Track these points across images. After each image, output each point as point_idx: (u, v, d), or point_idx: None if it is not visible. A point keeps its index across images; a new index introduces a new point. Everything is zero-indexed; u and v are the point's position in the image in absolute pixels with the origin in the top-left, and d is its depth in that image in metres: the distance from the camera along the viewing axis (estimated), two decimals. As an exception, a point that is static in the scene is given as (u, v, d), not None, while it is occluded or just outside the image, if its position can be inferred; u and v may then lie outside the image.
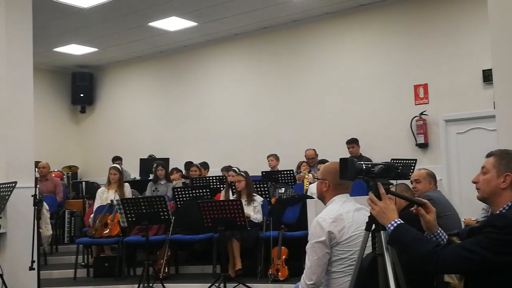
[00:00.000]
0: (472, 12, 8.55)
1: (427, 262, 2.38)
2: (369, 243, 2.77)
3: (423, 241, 2.47)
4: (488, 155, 2.64)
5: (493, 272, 2.35)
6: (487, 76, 8.15)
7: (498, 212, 2.54)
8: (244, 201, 6.90)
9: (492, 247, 2.30)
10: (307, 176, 8.43)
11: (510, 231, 2.31)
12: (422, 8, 9.25)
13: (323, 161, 7.94)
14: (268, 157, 9.71)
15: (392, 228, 2.53)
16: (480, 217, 6.57)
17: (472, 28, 8.57)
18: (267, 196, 7.75)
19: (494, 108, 4.34)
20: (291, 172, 8.81)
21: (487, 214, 6.45)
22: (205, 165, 10.23)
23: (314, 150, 9.52)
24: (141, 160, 11.45)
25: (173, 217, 7.23)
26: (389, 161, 6.48)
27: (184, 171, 10.10)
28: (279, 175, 8.75)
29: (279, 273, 6.55)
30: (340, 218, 3.17)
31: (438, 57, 9.03)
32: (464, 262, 2.33)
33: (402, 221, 2.56)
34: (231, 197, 7.49)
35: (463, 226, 5.78)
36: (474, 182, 2.66)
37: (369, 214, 2.76)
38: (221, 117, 11.45)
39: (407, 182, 5.49)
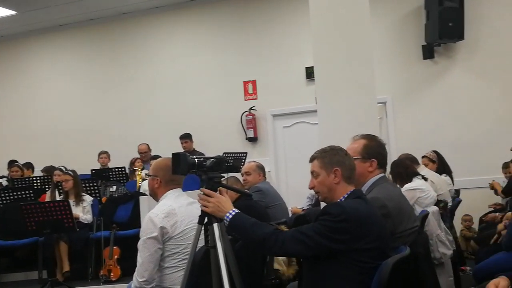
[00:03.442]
0: (295, 12, 9.03)
1: (267, 244, 2.49)
2: (202, 236, 2.79)
3: (263, 225, 2.58)
4: (311, 160, 2.78)
5: (325, 258, 2.50)
6: (310, 73, 8.68)
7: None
8: (72, 202, 6.63)
9: (326, 233, 2.45)
10: (139, 173, 8.28)
11: (344, 218, 2.46)
12: (250, 6, 9.56)
13: (156, 157, 7.84)
14: (98, 154, 9.38)
15: (230, 217, 2.60)
16: (305, 205, 6.99)
17: (296, 27, 9.05)
18: (98, 195, 7.47)
19: (316, 104, 4.61)
20: (123, 169, 8.58)
21: (311, 202, 6.88)
22: (28, 165, 9.54)
23: (146, 144, 9.40)
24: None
25: (-8, 222, 6.65)
26: (221, 155, 6.60)
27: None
28: (110, 173, 8.48)
29: (111, 274, 6.40)
30: (172, 212, 3.15)
31: (265, 55, 9.40)
32: (300, 245, 2.46)
33: (238, 210, 2.63)
34: (58, 198, 7.10)
35: (290, 215, 6.09)
36: (311, 188, 2.78)
37: (202, 208, 2.78)
38: (46, 112, 10.79)
39: (239, 174, 5.66)
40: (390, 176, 5.18)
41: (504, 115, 7.92)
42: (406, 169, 5.19)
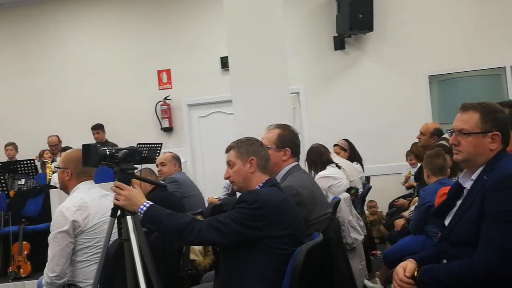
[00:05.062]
0: (209, 1, 8.98)
1: (183, 233, 2.49)
2: (115, 229, 2.74)
3: (178, 215, 2.58)
4: (227, 150, 2.81)
5: (241, 246, 2.52)
6: (225, 63, 8.68)
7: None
8: (-24, 196, 6.29)
9: (243, 221, 2.48)
10: (49, 165, 7.97)
11: (259, 205, 2.51)
12: (164, -6, 9.42)
13: (67, 148, 7.58)
14: (4, 146, 8.94)
15: (144, 209, 2.57)
16: (222, 195, 7.01)
17: (210, 16, 9.01)
18: (5, 189, 7.12)
19: (231, 93, 4.63)
20: (32, 161, 8.22)
21: (228, 192, 6.91)
22: None
23: (57, 136, 9.06)
24: None
25: None
26: (136, 145, 6.47)
27: None
28: (18, 165, 8.10)
29: (21, 270, 6.19)
30: (85, 205, 3.08)
31: (179, 44, 9.29)
32: (216, 232, 2.48)
33: (152, 203, 2.61)
34: (-39, 193, 6.72)
35: (206, 205, 6.09)
36: (226, 178, 2.80)
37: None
38: None
39: (154, 165, 5.58)
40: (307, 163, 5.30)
41: (411, 104, 8.30)
42: (320, 156, 5.31)
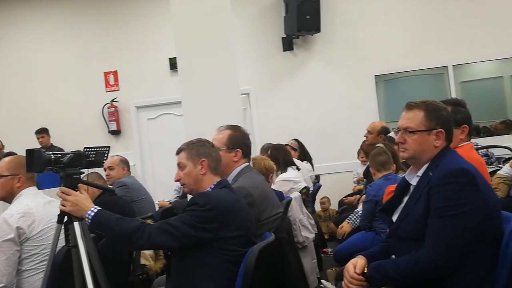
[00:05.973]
0: (157, 1, 8.88)
1: (133, 237, 2.45)
2: (62, 236, 2.67)
3: (127, 220, 2.54)
4: (178, 152, 2.79)
5: (192, 248, 2.50)
6: (173, 64, 8.60)
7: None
8: None
9: (194, 223, 2.46)
10: None
11: (210, 207, 2.49)
12: (109, -5, 9.25)
13: (11, 154, 7.32)
14: None
15: (92, 214, 2.52)
16: (173, 198, 6.94)
17: (157, 16, 8.90)
18: None
19: (181, 95, 4.59)
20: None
21: (179, 194, 6.84)
22: None
23: (-1, 141, 8.76)
24: None
25: None
26: (82, 149, 6.34)
27: None
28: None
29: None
30: (29, 212, 2.99)
31: (127, 45, 9.14)
32: (167, 236, 2.45)
33: (100, 208, 2.57)
34: None
35: (157, 209, 6.01)
36: (176, 180, 2.77)
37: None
38: None
39: (102, 169, 5.47)
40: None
41: (358, 103, 8.44)
42: (284, 155, 5.34)
